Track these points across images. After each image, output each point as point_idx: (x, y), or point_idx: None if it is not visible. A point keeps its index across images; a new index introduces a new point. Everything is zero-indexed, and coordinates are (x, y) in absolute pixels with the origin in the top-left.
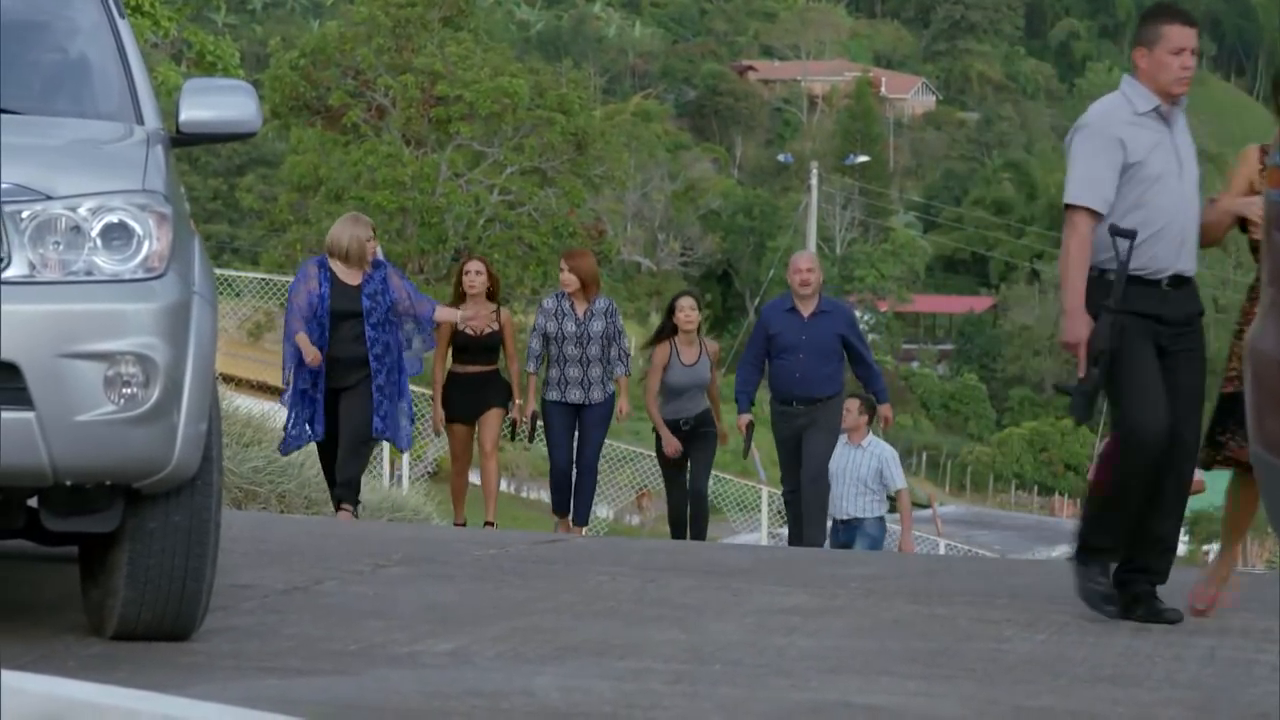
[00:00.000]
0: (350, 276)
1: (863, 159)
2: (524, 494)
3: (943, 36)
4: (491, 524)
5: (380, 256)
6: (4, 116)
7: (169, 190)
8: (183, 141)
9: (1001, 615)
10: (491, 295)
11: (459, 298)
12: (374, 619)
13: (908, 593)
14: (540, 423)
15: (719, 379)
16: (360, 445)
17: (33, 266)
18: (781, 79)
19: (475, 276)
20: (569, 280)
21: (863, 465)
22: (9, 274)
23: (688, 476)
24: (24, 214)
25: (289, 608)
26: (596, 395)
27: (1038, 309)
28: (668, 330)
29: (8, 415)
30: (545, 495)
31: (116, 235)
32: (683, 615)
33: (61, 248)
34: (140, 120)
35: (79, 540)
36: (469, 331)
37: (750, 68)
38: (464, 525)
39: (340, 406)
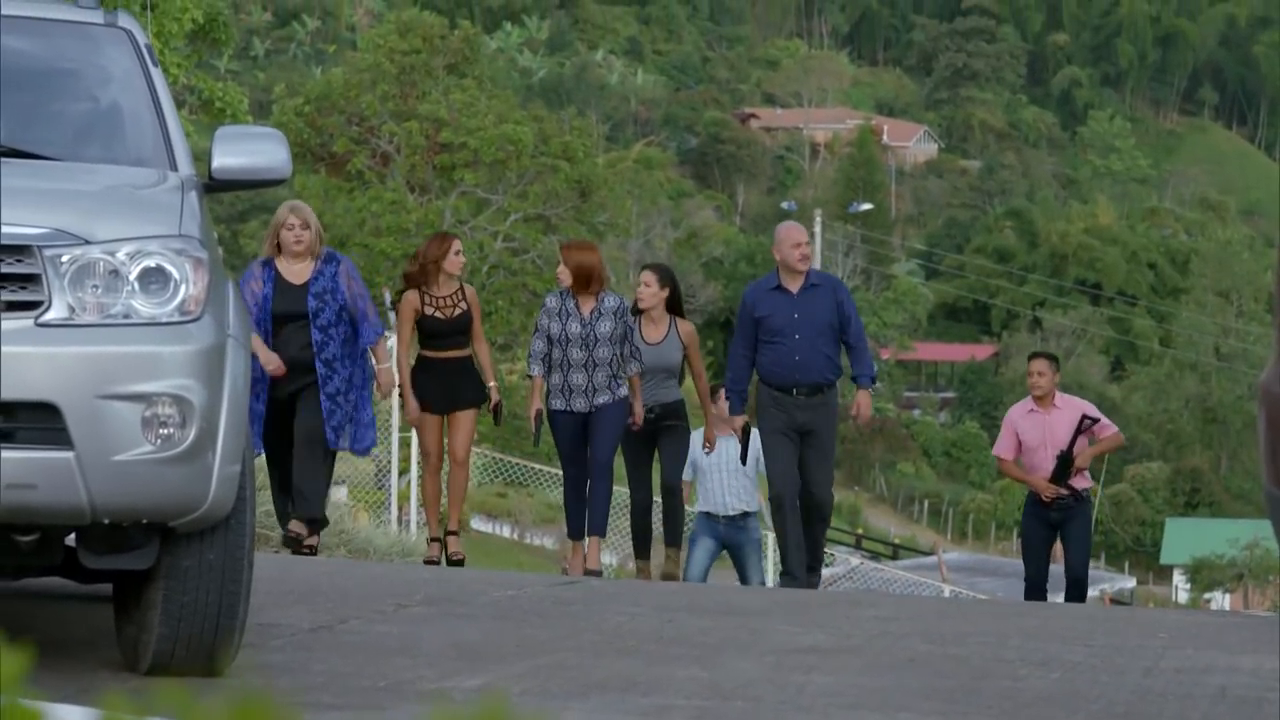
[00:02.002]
0: (295, 274)
1: (865, 207)
2: (527, 539)
3: (945, 84)
4: (455, 534)
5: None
6: (42, 163)
7: (204, 235)
8: (215, 187)
9: (1015, 655)
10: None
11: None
12: (401, 656)
13: (921, 633)
14: (545, 424)
15: (704, 369)
16: (315, 450)
17: (72, 309)
18: (784, 127)
19: (463, 258)
20: (562, 275)
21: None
22: (49, 317)
23: (659, 470)
24: (64, 258)
25: (317, 645)
26: (603, 400)
27: None
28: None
29: (48, 455)
30: (548, 541)
31: (154, 279)
32: (702, 653)
33: (100, 291)
34: (174, 166)
35: (114, 578)
36: (438, 315)
37: (752, 115)
38: (439, 539)
39: (295, 414)
